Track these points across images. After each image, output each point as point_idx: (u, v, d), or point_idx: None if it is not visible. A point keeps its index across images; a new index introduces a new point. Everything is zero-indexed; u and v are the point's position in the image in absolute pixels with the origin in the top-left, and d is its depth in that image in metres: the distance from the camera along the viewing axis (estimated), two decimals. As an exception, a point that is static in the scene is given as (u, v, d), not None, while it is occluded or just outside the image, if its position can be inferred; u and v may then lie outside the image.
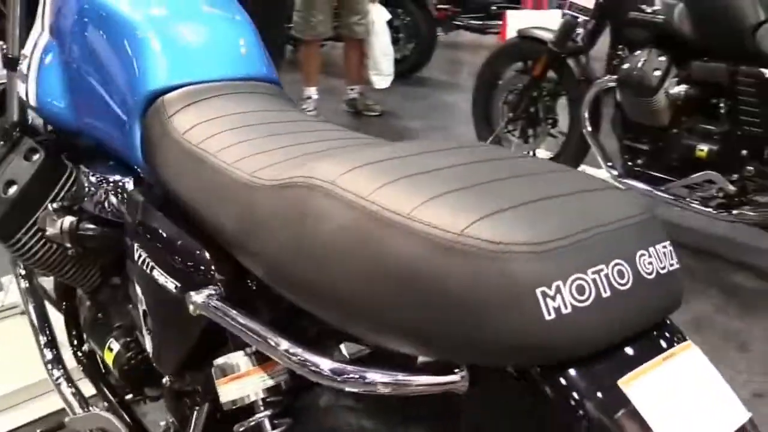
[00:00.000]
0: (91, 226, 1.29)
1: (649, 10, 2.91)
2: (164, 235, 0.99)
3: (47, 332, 1.67)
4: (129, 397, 1.43)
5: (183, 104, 1.07)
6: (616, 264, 0.63)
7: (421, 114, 5.30)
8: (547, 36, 3.48)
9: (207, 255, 0.91)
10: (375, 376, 0.69)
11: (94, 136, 1.23)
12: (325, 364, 0.72)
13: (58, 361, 1.63)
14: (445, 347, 0.64)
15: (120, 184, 1.20)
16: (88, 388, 1.57)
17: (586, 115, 3.28)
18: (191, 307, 0.86)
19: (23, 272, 1.71)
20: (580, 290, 0.60)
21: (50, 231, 1.31)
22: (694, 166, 2.82)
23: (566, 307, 0.59)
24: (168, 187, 1.02)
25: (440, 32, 6.80)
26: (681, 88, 2.81)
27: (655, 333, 0.67)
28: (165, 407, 1.25)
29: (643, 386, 0.62)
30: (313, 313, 0.74)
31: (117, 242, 1.29)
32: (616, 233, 0.65)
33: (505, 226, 0.61)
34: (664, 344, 0.66)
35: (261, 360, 0.86)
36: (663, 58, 2.82)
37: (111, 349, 1.28)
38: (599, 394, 0.61)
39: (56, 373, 1.61)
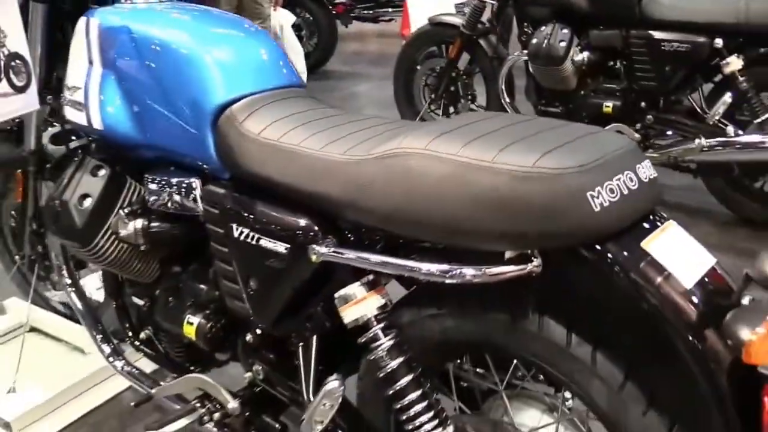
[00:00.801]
0: (159, 223, 1.56)
1: (549, -12, 3.33)
2: (267, 212, 1.27)
3: (100, 329, 1.90)
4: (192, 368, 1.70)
5: (248, 112, 1.35)
6: (627, 173, 0.98)
7: (334, 105, 5.59)
8: (458, 21, 3.87)
9: (313, 219, 1.21)
10: (470, 270, 1.02)
11: (160, 147, 1.48)
12: (434, 267, 1.04)
13: (116, 352, 1.87)
14: (528, 241, 0.97)
15: (187, 184, 1.46)
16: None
17: (503, 87, 3.69)
18: (314, 257, 1.16)
19: (69, 281, 1.94)
20: (611, 191, 0.94)
21: (123, 233, 1.56)
22: (603, 121, 3.23)
23: (605, 202, 0.93)
24: (250, 176, 1.30)
25: (340, 25, 7.11)
26: (584, 55, 3.24)
27: (651, 216, 1.02)
28: (246, 361, 1.53)
29: (655, 245, 0.97)
30: (423, 239, 1.06)
31: (183, 234, 1.56)
32: (623, 154, 1.00)
33: (558, 158, 0.95)
34: (659, 222, 1.02)
35: (371, 287, 1.18)
36: (566, 31, 3.23)
37: (191, 323, 1.54)
38: (627, 254, 0.96)
39: (118, 363, 1.85)
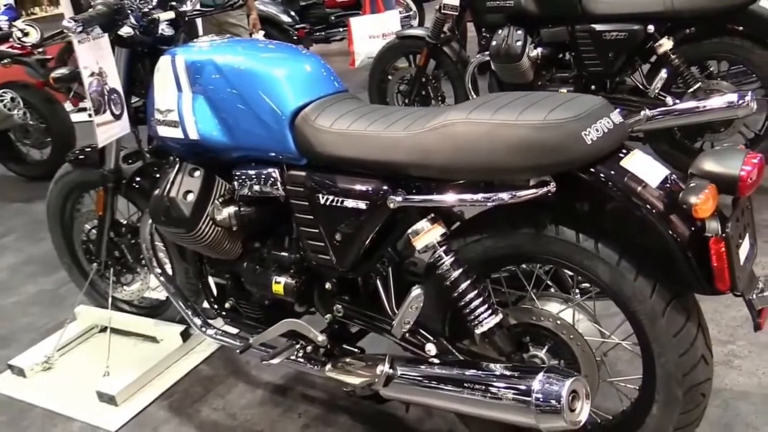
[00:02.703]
0: (247, 208, 2.00)
1: (500, -2, 3.84)
2: (347, 181, 1.72)
3: (192, 307, 2.33)
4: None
5: (318, 112, 1.81)
6: (605, 119, 1.46)
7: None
8: (423, 32, 4.38)
9: (384, 180, 1.67)
10: (505, 195, 1.49)
11: (246, 147, 1.92)
12: (480, 196, 1.51)
13: (206, 324, 2.30)
14: (546, 170, 1.45)
15: (267, 173, 1.90)
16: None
17: (470, 86, 4.20)
18: (391, 204, 1.63)
19: (159, 271, 2.37)
20: (597, 130, 1.43)
21: (219, 218, 2.00)
22: (560, 105, 3.74)
23: (594, 138, 1.42)
24: (327, 158, 1.75)
25: (303, 49, 7.55)
26: (538, 51, 3.74)
27: (623, 146, 1.51)
28: (324, 306, 1.99)
29: (629, 163, 1.46)
30: (473, 180, 1.54)
31: (265, 214, 2.00)
32: (600, 107, 1.48)
33: (560, 112, 1.43)
34: (628, 150, 1.51)
35: (433, 221, 1.65)
36: (520, 32, 3.73)
37: (278, 282, 1.99)
38: (612, 170, 1.45)
39: (210, 330, 2.28)
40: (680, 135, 3.53)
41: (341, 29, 8.31)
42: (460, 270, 1.63)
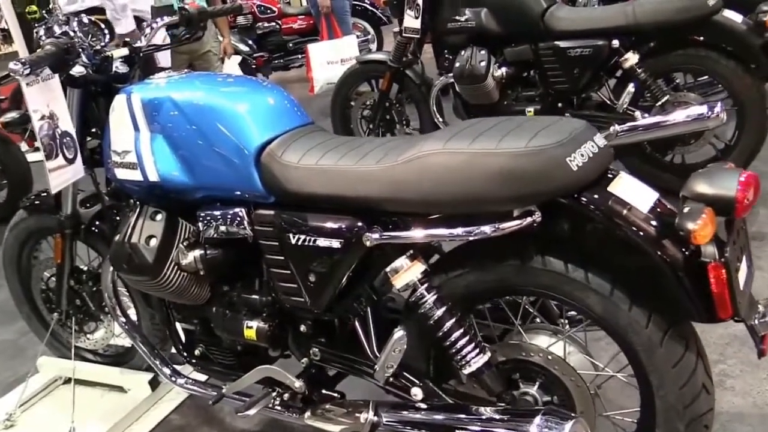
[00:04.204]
0: (213, 250, 1.89)
1: (462, 18, 3.75)
2: (318, 219, 1.63)
3: (159, 356, 2.21)
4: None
5: (284, 147, 1.71)
6: (589, 143, 1.39)
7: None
8: (384, 56, 4.31)
9: (358, 216, 1.58)
10: (488, 228, 1.41)
11: (209, 187, 1.81)
12: (462, 230, 1.43)
13: (175, 372, 2.18)
14: (529, 200, 1.37)
15: (234, 213, 1.80)
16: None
17: (434, 108, 4.14)
18: (368, 242, 1.53)
19: (124, 319, 2.24)
20: (582, 155, 1.36)
21: (185, 262, 1.89)
22: (528, 125, 3.70)
23: (579, 164, 1.35)
24: (295, 196, 1.66)
25: (262, 77, 7.49)
26: (502, 70, 3.70)
27: (608, 170, 1.44)
28: (300, 350, 1.88)
29: (616, 189, 1.39)
30: (453, 213, 1.45)
31: (232, 256, 1.90)
32: (583, 131, 1.41)
33: (542, 138, 1.35)
34: (614, 174, 1.44)
35: (413, 258, 1.56)
36: (483, 52, 3.68)
37: (250, 327, 1.88)
38: (599, 197, 1.38)
39: (181, 380, 2.16)
40: (650, 149, 3.51)
41: (299, 56, 8.27)
42: (444, 308, 1.54)
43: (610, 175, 1.43)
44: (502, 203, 1.40)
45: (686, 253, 1.31)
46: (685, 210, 1.28)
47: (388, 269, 1.56)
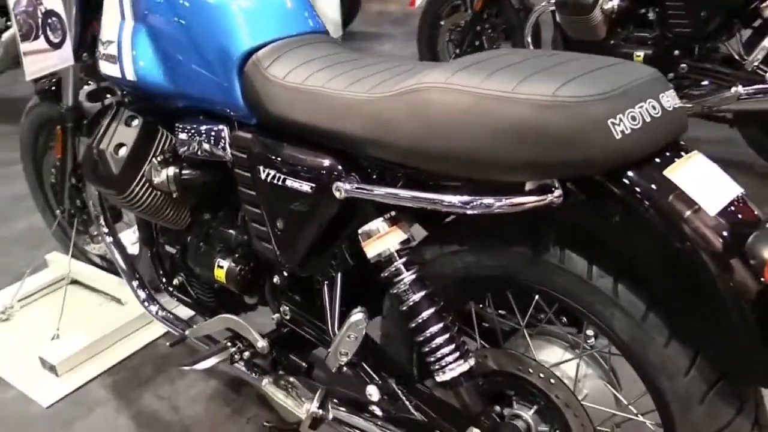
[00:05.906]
0: (190, 171, 1.58)
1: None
2: (293, 154, 1.28)
3: (137, 277, 1.95)
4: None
5: (273, 57, 1.35)
6: (650, 101, 0.96)
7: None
8: (483, -27, 3.81)
9: (337, 158, 1.22)
10: (491, 200, 1.02)
11: (190, 96, 1.49)
12: (456, 198, 1.04)
13: (152, 298, 1.92)
14: (549, 171, 0.97)
15: (216, 131, 1.48)
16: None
17: (530, 39, 3.63)
18: (338, 193, 1.18)
19: (106, 231, 1.99)
20: (633, 118, 0.94)
21: (157, 180, 1.59)
22: (634, 71, 3.18)
23: (627, 130, 0.93)
24: (277, 119, 1.31)
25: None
26: (613, 3, 3.14)
27: (675, 145, 1.01)
28: (273, 303, 1.57)
29: (678, 174, 0.96)
30: (444, 173, 1.07)
31: (212, 180, 1.58)
32: (646, 83, 0.98)
33: (578, 87, 0.94)
34: (683, 151, 1.01)
35: (393, 222, 1.19)
36: (595, -23, 3.17)
37: (221, 267, 1.57)
38: (649, 182, 0.95)
39: (153, 308, 1.90)
40: (778, 120, 2.92)
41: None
42: (423, 292, 1.17)
43: (673, 152, 1.00)
44: (511, 170, 0.99)
45: (762, 283, 0.89)
46: (765, 228, 0.85)
47: (360, 231, 1.20)
